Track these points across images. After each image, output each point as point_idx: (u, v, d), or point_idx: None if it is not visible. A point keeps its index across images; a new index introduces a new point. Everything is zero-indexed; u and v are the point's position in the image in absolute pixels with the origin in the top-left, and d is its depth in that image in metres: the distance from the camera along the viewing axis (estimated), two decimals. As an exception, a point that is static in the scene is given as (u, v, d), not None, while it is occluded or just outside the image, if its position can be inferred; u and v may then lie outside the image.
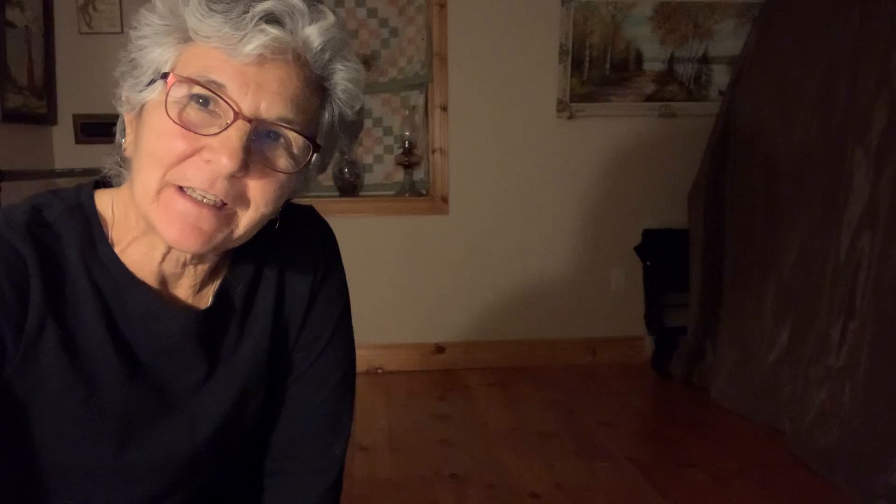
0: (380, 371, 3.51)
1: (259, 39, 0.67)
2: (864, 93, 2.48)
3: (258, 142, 0.71)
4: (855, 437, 2.30)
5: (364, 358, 3.45)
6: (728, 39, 3.47)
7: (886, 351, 2.27)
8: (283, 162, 0.73)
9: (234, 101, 0.69)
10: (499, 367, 3.53)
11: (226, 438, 0.87)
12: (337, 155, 3.31)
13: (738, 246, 3.12)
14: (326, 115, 0.77)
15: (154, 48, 0.72)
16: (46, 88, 3.11)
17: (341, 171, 3.43)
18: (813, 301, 2.63)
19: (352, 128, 0.81)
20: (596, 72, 3.46)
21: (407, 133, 3.43)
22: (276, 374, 0.91)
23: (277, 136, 0.72)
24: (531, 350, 3.58)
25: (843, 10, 2.64)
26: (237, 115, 0.69)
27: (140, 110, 0.74)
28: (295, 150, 0.74)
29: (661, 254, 3.50)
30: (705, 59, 3.51)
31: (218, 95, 0.69)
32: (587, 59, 3.45)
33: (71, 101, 3.17)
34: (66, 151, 3.22)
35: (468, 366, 3.53)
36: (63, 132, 3.23)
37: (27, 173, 2.84)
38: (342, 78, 0.76)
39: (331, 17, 0.73)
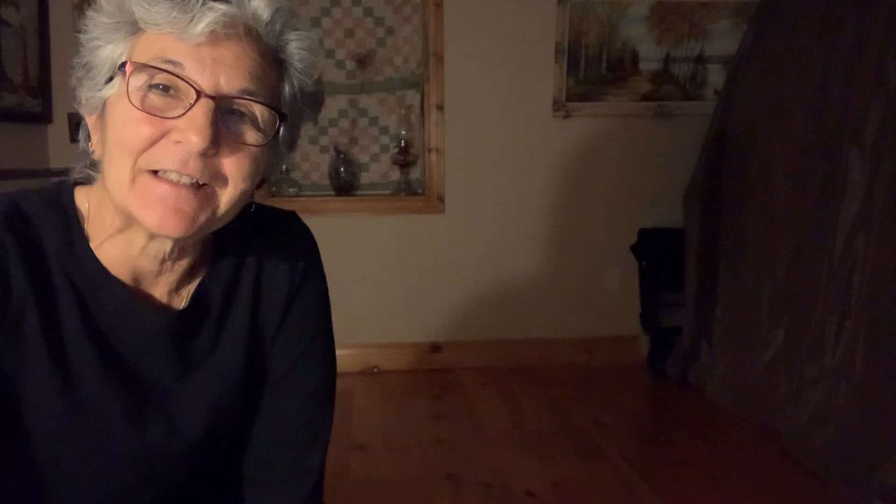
0: (376, 370, 3.51)
1: (209, 17, 0.68)
2: (860, 92, 2.48)
3: (224, 118, 0.72)
4: (850, 436, 2.31)
5: (360, 357, 3.45)
6: (724, 39, 3.47)
7: (881, 350, 2.27)
8: (251, 135, 0.73)
9: (193, 81, 0.69)
10: (495, 367, 3.53)
11: (205, 440, 0.87)
12: (333, 153, 3.31)
13: (734, 245, 3.12)
14: (287, 87, 0.78)
15: (106, 46, 0.73)
16: (41, 87, 3.10)
17: (337, 170, 3.43)
18: (808, 301, 2.63)
19: (313, 99, 0.81)
20: (592, 71, 3.47)
21: (403, 132, 3.43)
22: (255, 379, 0.91)
23: (242, 111, 0.73)
24: (527, 349, 3.59)
25: (839, 9, 2.64)
26: (199, 93, 0.69)
27: (102, 109, 0.74)
28: (261, 123, 0.74)
29: (656, 253, 3.50)
30: (701, 59, 3.51)
31: (177, 76, 0.69)
32: (583, 58, 3.45)
33: (66, 100, 3.15)
34: (61, 150, 3.21)
35: (464, 365, 3.53)
36: (58, 131, 3.22)
37: (22, 172, 2.84)
38: (296, 48, 0.76)
39: None
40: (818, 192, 2.65)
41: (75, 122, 3.20)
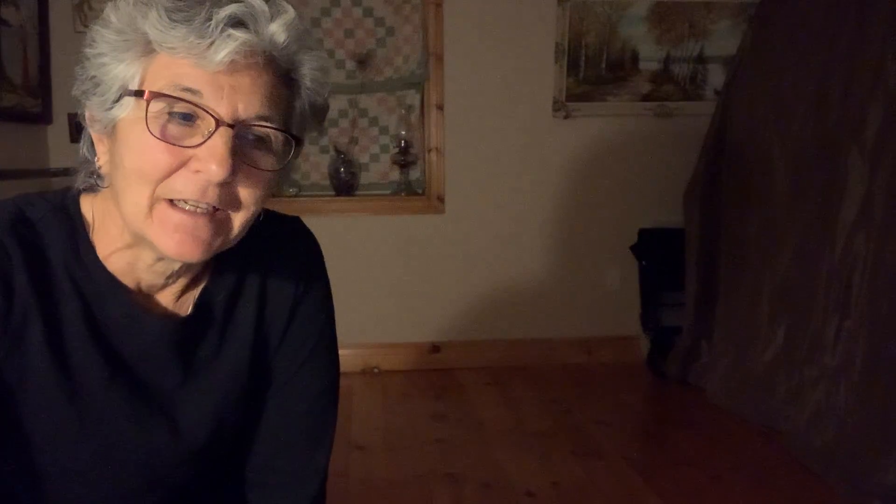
0: (376, 370, 3.51)
1: (229, 46, 0.67)
2: (860, 92, 2.48)
3: (241, 144, 0.71)
4: (850, 435, 2.31)
5: (360, 357, 3.45)
6: (724, 39, 3.47)
7: (881, 350, 2.27)
8: (266, 160, 0.74)
9: (212, 109, 0.68)
10: (495, 367, 3.53)
11: (208, 445, 0.87)
12: (333, 153, 3.33)
13: (734, 245, 3.12)
14: (297, 105, 0.78)
15: (115, 64, 0.71)
16: (41, 87, 3.10)
17: (337, 170, 3.43)
18: (808, 300, 2.63)
19: (321, 112, 0.82)
20: (592, 71, 3.47)
21: (403, 132, 3.43)
22: (258, 384, 0.91)
23: (258, 136, 0.73)
24: (527, 349, 3.59)
25: (839, 9, 2.64)
26: (219, 122, 0.69)
27: (113, 129, 0.73)
28: (276, 147, 0.74)
29: (656, 253, 3.51)
30: (701, 59, 3.51)
31: (197, 105, 0.68)
32: (583, 58, 3.45)
33: (66, 100, 3.14)
34: (61, 150, 3.21)
35: (464, 365, 3.53)
36: (58, 131, 3.22)
37: (22, 172, 2.84)
38: (309, 68, 0.76)
39: (291, 11, 0.73)
40: (818, 192, 2.65)
41: (75, 123, 3.19)
